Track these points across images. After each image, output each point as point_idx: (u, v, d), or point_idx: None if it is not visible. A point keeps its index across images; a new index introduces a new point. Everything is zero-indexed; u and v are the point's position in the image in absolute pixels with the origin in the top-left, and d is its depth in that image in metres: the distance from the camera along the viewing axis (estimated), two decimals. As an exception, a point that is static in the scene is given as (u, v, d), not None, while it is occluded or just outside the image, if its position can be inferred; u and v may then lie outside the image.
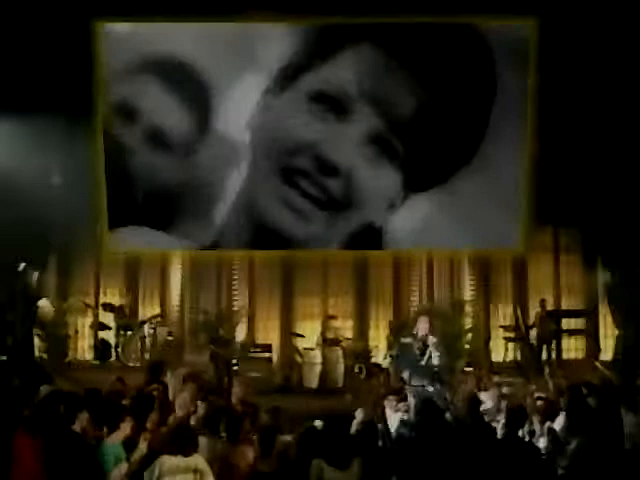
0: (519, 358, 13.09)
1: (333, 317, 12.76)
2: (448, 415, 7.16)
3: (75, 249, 13.30)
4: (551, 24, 10.74)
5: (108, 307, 13.40)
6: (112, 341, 13.13)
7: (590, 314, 13.74)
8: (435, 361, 8.92)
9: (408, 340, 9.25)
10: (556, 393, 7.83)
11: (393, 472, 5.60)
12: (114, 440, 5.81)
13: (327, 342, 12.13)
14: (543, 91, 11.23)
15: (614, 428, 6.19)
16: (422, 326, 9.22)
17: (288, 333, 13.43)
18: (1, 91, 10.36)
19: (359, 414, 7.01)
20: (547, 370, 10.18)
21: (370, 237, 11.50)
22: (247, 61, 11.00)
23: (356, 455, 5.34)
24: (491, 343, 13.54)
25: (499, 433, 6.43)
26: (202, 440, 5.75)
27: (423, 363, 8.90)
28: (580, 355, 13.70)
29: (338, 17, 11.11)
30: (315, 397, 11.29)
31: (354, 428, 6.40)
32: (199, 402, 7.11)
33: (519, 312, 13.44)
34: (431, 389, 8.68)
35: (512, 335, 13.31)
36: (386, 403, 7.86)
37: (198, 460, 5.40)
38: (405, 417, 7.57)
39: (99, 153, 11.53)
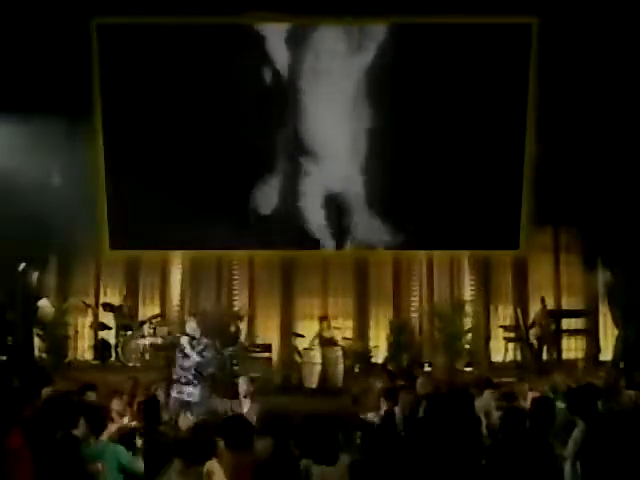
0: (519, 358, 13.08)
1: (326, 317, 12.73)
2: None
3: (75, 249, 13.29)
4: (551, 24, 10.75)
5: (108, 307, 13.38)
6: (112, 341, 13.12)
7: (590, 314, 13.72)
8: (195, 358, 9.17)
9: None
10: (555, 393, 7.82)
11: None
12: (99, 441, 5.78)
13: (324, 342, 12.11)
14: (543, 91, 11.24)
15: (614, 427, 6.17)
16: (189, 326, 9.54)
17: (288, 333, 13.42)
18: (1, 91, 10.36)
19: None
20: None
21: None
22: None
23: (342, 450, 5.33)
24: (491, 343, 13.54)
25: (499, 433, 6.41)
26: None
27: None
28: (580, 355, 13.69)
29: (336, 18, 11.18)
30: (315, 397, 11.29)
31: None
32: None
33: (519, 312, 13.42)
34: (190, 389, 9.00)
35: (512, 335, 13.29)
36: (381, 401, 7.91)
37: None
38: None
39: (99, 153, 11.58)
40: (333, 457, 5.24)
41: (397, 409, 7.54)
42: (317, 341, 12.15)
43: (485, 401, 7.71)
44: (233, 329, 12.57)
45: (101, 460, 5.58)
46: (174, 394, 8.94)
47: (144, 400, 6.98)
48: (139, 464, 5.59)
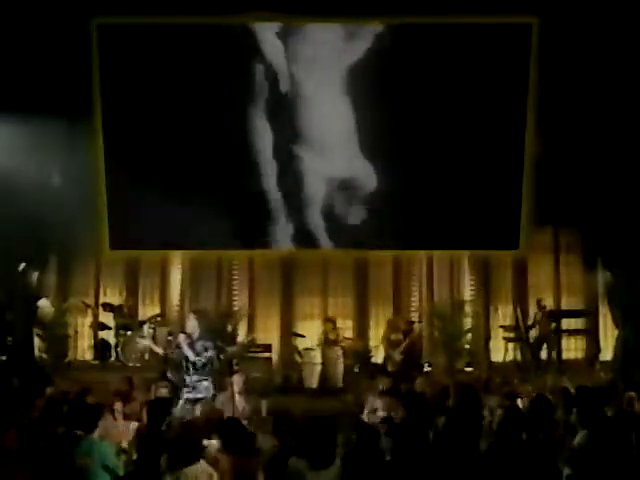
0: (519, 358, 13.08)
1: (332, 319, 12.72)
2: None
3: (75, 249, 13.30)
4: (551, 24, 10.75)
5: (108, 307, 13.41)
6: (112, 341, 13.14)
7: (590, 314, 13.73)
8: (192, 357, 8.89)
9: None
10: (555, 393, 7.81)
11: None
12: (88, 438, 5.79)
13: (328, 343, 12.11)
14: (543, 91, 11.24)
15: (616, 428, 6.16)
16: (190, 324, 9.20)
17: (288, 333, 13.42)
18: (1, 91, 10.36)
19: None
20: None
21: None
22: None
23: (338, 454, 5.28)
24: (491, 343, 13.54)
25: (499, 433, 6.41)
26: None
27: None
28: (580, 355, 13.69)
29: (336, 18, 11.17)
30: (315, 397, 11.30)
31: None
32: None
33: (519, 312, 13.42)
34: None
35: (512, 335, 13.29)
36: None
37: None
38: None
39: (99, 153, 11.57)
40: (328, 460, 5.18)
41: (397, 409, 7.58)
42: (322, 342, 12.12)
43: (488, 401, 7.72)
44: (230, 329, 12.57)
45: (89, 457, 5.60)
46: (184, 395, 8.78)
47: (151, 400, 6.96)
48: (119, 468, 5.59)
